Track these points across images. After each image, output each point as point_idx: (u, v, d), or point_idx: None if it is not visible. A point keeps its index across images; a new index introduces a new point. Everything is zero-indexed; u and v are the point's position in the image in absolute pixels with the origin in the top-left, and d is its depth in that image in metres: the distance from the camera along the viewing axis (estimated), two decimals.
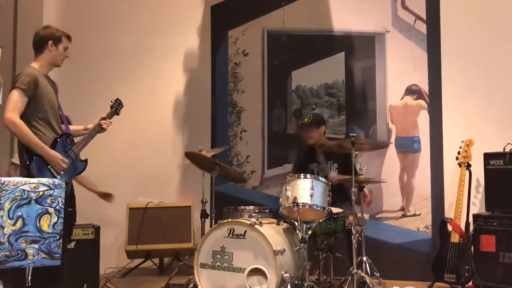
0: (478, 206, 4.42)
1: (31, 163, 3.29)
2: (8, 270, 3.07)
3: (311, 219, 3.70)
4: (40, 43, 3.52)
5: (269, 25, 5.44)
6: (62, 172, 3.37)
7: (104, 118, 3.68)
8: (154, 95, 5.71)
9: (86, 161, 3.62)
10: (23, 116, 3.32)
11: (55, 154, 3.34)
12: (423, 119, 4.79)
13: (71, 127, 3.70)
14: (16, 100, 3.30)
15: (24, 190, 2.65)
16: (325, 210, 3.68)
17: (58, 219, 2.71)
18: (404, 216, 4.80)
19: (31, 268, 2.89)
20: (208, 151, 4.56)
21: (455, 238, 4.11)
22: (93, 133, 3.63)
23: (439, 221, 4.29)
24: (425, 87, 4.80)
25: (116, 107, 3.81)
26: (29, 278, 2.94)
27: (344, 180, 4.06)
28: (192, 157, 4.52)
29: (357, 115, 5.08)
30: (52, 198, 2.71)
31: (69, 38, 3.61)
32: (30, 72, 3.39)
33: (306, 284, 3.56)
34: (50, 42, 3.50)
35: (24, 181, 2.67)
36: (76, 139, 3.63)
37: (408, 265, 4.65)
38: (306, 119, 4.43)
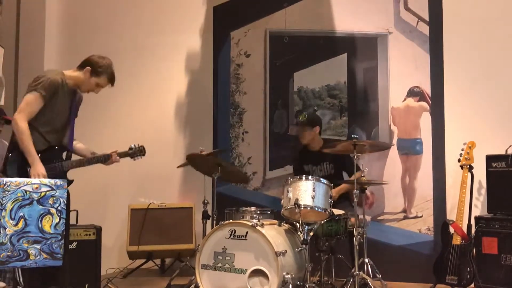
0: (480, 208, 4.42)
1: (11, 161, 3.27)
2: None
3: (312, 221, 3.70)
4: (84, 62, 3.51)
5: (271, 26, 5.44)
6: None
7: (117, 154, 3.61)
8: (155, 96, 5.71)
9: (70, 182, 3.39)
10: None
11: (40, 169, 3.23)
12: (425, 121, 4.78)
13: (78, 145, 3.66)
14: (30, 102, 3.27)
15: (26, 191, 2.65)
16: (327, 212, 3.68)
17: (60, 219, 2.72)
18: (406, 218, 4.79)
19: (19, 269, 2.88)
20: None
21: (457, 240, 4.10)
22: (96, 160, 3.56)
23: (441, 223, 4.28)
24: (427, 89, 4.79)
25: (135, 152, 3.72)
26: (21, 280, 2.94)
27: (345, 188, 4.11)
28: (193, 160, 4.52)
29: (359, 116, 5.07)
30: (54, 198, 2.71)
31: (111, 80, 3.54)
32: (54, 79, 3.35)
33: (307, 286, 3.56)
34: (88, 68, 3.47)
35: (26, 181, 2.67)
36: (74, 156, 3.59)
37: (410, 267, 4.65)
38: (301, 117, 4.48)
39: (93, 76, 3.48)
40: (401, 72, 4.91)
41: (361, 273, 3.78)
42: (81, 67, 3.50)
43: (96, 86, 3.53)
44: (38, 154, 3.31)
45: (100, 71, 3.49)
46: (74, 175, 3.59)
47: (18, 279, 2.92)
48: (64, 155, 3.50)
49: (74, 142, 3.63)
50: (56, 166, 3.42)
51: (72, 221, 4.09)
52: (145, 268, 5.23)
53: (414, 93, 4.85)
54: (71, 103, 3.53)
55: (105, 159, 3.61)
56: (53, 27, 5.73)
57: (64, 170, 3.47)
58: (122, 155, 3.68)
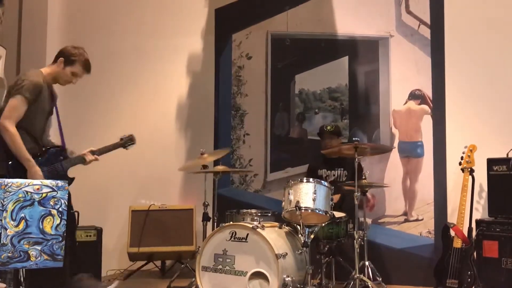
0: (481, 211, 4.41)
1: (10, 163, 3.28)
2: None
3: (313, 223, 3.70)
4: (58, 54, 3.54)
5: (273, 28, 5.45)
6: None
7: (92, 152, 3.61)
8: (157, 98, 5.72)
9: (72, 180, 3.52)
10: None
11: (37, 172, 3.28)
12: (427, 124, 4.79)
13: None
14: (16, 107, 3.27)
15: (27, 192, 2.65)
16: (328, 214, 3.68)
17: (61, 220, 2.71)
18: (406, 221, 4.79)
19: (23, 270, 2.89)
20: (211, 154, 4.57)
21: (457, 243, 4.10)
22: (74, 162, 3.56)
23: (442, 226, 4.28)
24: (428, 92, 4.79)
25: (125, 142, 3.78)
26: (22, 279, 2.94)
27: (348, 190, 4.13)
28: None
29: (360, 119, 5.08)
30: (55, 200, 2.71)
31: (86, 67, 3.55)
32: (37, 81, 3.36)
33: None
34: (61, 59, 3.49)
35: (27, 182, 2.67)
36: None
37: (411, 270, 4.64)
38: (329, 127, 4.65)
39: (67, 66, 3.50)
40: (403, 75, 4.91)
41: (362, 276, 3.78)
42: (55, 60, 3.53)
43: (72, 76, 3.54)
44: (38, 158, 3.33)
45: (73, 59, 3.50)
46: (74, 175, 3.60)
47: (21, 279, 2.92)
48: (61, 155, 3.51)
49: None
50: (56, 167, 3.43)
51: None
52: (145, 270, 5.23)
53: (415, 96, 4.85)
54: (51, 103, 3.56)
55: (83, 158, 3.58)
56: (55, 29, 5.74)
57: (65, 170, 3.49)
58: (117, 145, 3.73)
